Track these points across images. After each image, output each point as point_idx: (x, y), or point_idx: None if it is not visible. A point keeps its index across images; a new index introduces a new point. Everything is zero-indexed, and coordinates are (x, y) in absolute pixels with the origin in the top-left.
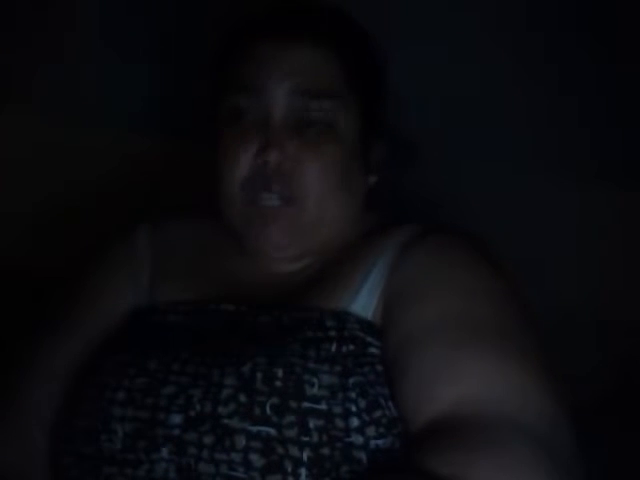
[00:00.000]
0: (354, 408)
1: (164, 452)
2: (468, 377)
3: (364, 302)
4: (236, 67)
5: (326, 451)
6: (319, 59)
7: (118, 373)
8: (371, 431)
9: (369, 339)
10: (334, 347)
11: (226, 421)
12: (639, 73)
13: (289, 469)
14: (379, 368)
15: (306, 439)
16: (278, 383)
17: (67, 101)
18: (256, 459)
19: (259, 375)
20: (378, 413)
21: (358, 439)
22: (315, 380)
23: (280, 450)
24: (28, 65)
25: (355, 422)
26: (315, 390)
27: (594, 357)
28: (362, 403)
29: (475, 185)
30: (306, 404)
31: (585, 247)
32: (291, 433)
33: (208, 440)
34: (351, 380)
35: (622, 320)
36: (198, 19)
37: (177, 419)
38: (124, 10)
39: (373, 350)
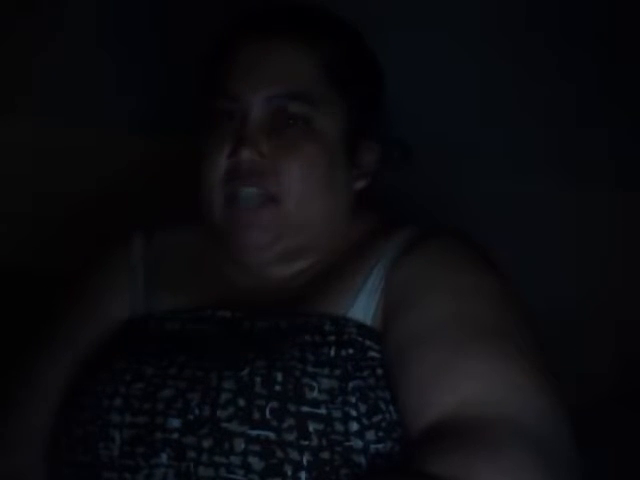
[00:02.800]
0: (354, 412)
1: (163, 457)
2: (468, 380)
3: (363, 306)
4: (218, 71)
5: (326, 455)
6: (300, 60)
7: (114, 380)
8: (371, 435)
9: (368, 343)
10: (333, 351)
11: (225, 425)
12: (639, 73)
13: (289, 472)
14: (379, 372)
15: (306, 443)
16: (277, 387)
17: (66, 102)
18: (255, 462)
19: (258, 379)
20: (378, 417)
21: (358, 443)
22: (315, 384)
23: (280, 454)
24: (27, 66)
25: (355, 426)
26: (315, 394)
27: (594, 357)
28: (362, 407)
29: (475, 185)
30: (305, 408)
31: (585, 247)
32: (290, 437)
33: (207, 444)
34: (351, 384)
35: (622, 320)
36: (197, 18)
37: (175, 423)
38: (122, 10)
39: (373, 354)
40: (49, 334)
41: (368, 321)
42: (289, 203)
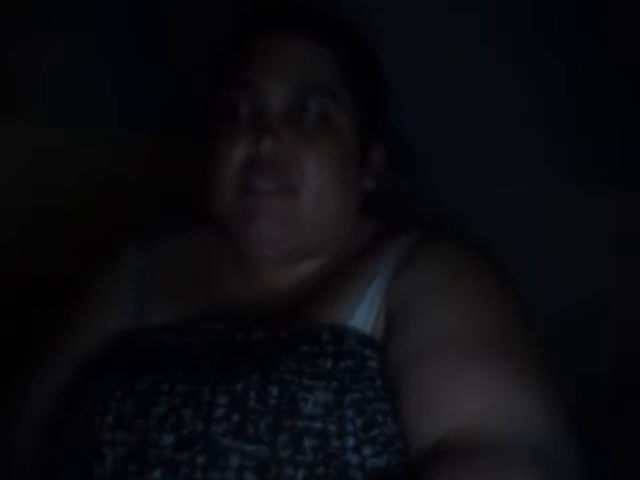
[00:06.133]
0: (350, 427)
1: (157, 474)
2: (471, 394)
3: (364, 315)
4: (234, 64)
5: (321, 470)
6: (317, 57)
7: (106, 396)
8: (367, 450)
9: (368, 352)
10: (330, 363)
11: (219, 440)
12: (638, 75)
13: None
14: (378, 383)
15: (301, 458)
16: (272, 401)
17: (66, 103)
18: (250, 478)
19: (252, 393)
20: (375, 431)
21: (354, 458)
22: (310, 397)
23: (274, 469)
24: (27, 66)
25: (351, 441)
26: (310, 408)
27: (594, 357)
28: (358, 421)
29: (475, 186)
30: (301, 422)
31: (585, 248)
32: (285, 452)
33: (201, 460)
34: (347, 397)
35: (622, 320)
36: (196, 18)
37: (169, 439)
38: (123, 11)
39: (372, 364)
40: (42, 347)
41: (368, 329)
42: (307, 196)
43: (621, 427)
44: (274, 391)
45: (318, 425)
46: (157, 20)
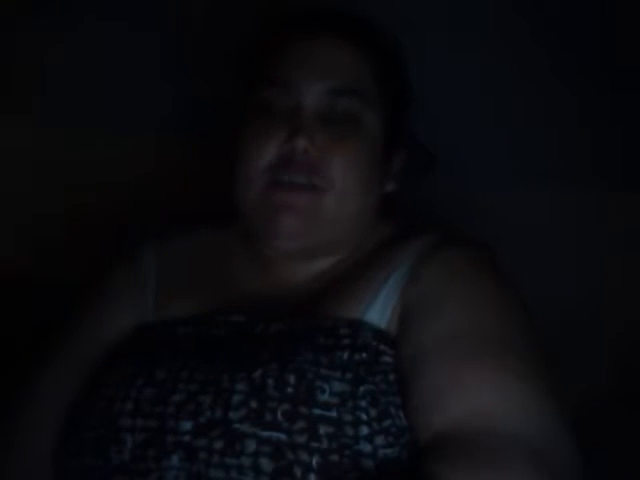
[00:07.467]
0: (364, 416)
1: (174, 459)
2: (476, 393)
3: (379, 311)
4: (268, 62)
5: (335, 458)
6: (349, 58)
7: (125, 384)
8: (380, 440)
9: (382, 347)
10: (346, 355)
11: (237, 426)
12: (637, 75)
13: (298, 474)
14: (391, 377)
15: (316, 445)
16: (289, 389)
17: (67, 103)
18: (266, 464)
19: (270, 381)
20: (388, 422)
21: (367, 447)
22: (326, 387)
23: (290, 455)
24: (27, 67)
25: (365, 430)
26: (326, 397)
27: (594, 357)
28: (372, 412)
29: (475, 187)
30: (317, 411)
31: (585, 248)
32: (301, 439)
33: (218, 445)
34: (362, 388)
35: (622, 320)
36: (207, 19)
37: (187, 426)
38: (125, 11)
39: (386, 359)
40: (57, 343)
41: (383, 325)
42: (331, 196)
43: (620, 428)
44: (291, 379)
45: (333, 414)
46: (160, 18)
